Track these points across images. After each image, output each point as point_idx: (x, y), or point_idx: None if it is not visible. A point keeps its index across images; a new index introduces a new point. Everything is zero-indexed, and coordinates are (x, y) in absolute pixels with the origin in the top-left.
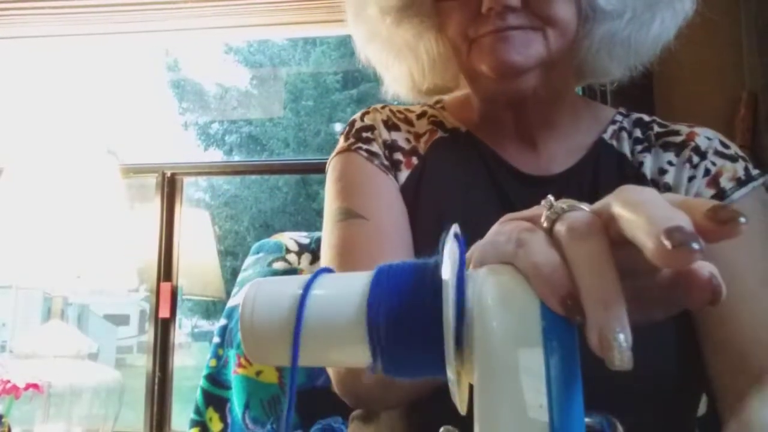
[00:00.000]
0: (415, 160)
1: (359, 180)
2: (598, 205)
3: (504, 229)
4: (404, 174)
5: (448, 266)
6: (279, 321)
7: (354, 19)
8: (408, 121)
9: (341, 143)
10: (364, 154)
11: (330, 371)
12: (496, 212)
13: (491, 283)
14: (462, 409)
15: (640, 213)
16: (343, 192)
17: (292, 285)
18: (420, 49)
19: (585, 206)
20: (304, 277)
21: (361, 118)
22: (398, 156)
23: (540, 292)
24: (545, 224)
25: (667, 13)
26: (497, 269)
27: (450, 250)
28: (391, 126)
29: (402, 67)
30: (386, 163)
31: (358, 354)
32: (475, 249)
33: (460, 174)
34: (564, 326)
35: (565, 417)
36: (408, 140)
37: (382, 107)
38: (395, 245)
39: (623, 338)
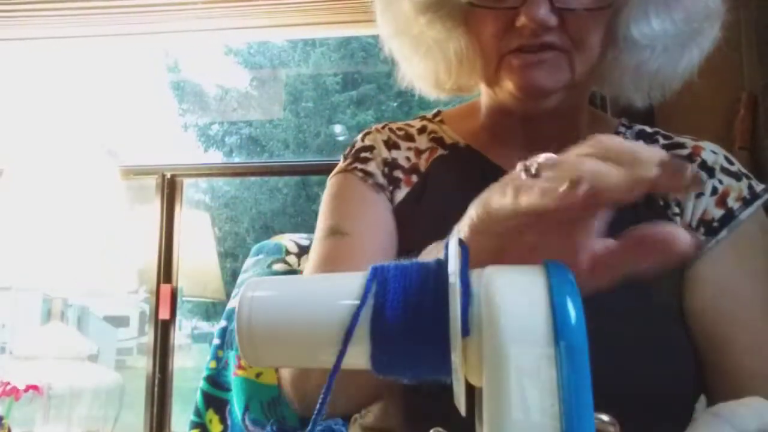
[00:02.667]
0: (414, 178)
1: (349, 199)
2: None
3: (490, 193)
4: (403, 191)
5: (454, 264)
6: (278, 323)
7: (382, 11)
8: (409, 137)
9: (340, 163)
10: (360, 174)
11: (281, 371)
12: None
13: (500, 282)
14: (462, 410)
15: (628, 155)
16: (332, 211)
17: (290, 287)
18: (449, 49)
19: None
20: (296, 278)
21: (362, 139)
22: (398, 174)
23: (558, 196)
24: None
25: (695, 50)
26: (505, 269)
27: (454, 248)
28: (391, 145)
29: (428, 64)
30: (381, 181)
31: (359, 355)
32: (465, 221)
33: (460, 190)
34: (575, 325)
35: (576, 417)
36: (408, 158)
37: (383, 127)
38: (374, 262)
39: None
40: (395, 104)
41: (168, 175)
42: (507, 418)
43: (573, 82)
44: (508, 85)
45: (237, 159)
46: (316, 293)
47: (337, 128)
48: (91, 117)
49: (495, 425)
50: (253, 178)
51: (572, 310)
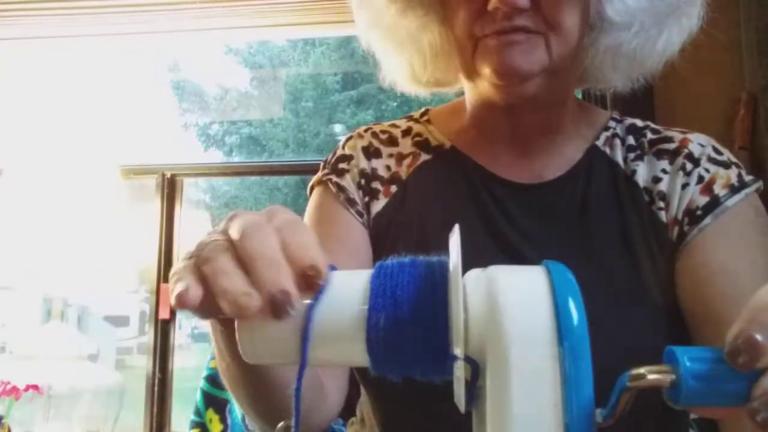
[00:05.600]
0: (394, 188)
1: (323, 220)
2: None
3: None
4: (381, 203)
5: (455, 260)
6: (278, 322)
7: (357, 4)
8: (392, 141)
9: (320, 171)
10: (333, 188)
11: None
12: (477, 232)
13: (502, 282)
14: (462, 408)
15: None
16: (310, 227)
17: None
18: (423, 41)
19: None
20: None
21: (343, 146)
22: (376, 185)
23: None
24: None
25: (674, 28)
26: (507, 269)
27: (456, 245)
28: (372, 153)
29: (403, 57)
30: (353, 196)
31: (356, 353)
32: None
33: (441, 197)
34: (577, 326)
35: (579, 416)
36: (388, 167)
37: (366, 130)
38: None
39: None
40: (395, 104)
41: (168, 175)
42: (511, 417)
43: (552, 66)
44: (486, 71)
45: (237, 158)
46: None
47: (337, 128)
48: (92, 117)
49: (499, 424)
50: (252, 178)
51: (575, 311)
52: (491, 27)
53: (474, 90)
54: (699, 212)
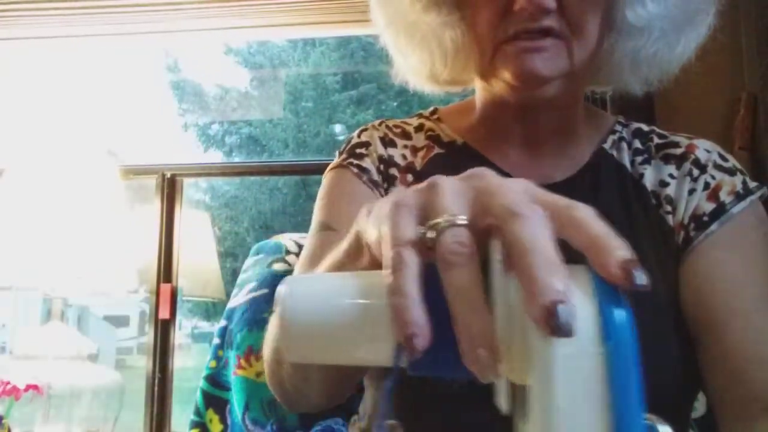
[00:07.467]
0: (410, 177)
1: (342, 195)
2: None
3: (386, 227)
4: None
5: (498, 258)
6: (323, 320)
7: (377, 1)
8: (405, 135)
9: (336, 159)
10: (355, 170)
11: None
12: None
13: None
14: (505, 408)
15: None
16: (325, 206)
17: (331, 283)
18: (445, 37)
19: (461, 219)
20: (338, 274)
21: (358, 135)
22: (393, 171)
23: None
24: (419, 240)
25: (692, 34)
26: None
27: (497, 243)
28: (387, 142)
29: (424, 54)
30: (376, 178)
31: (386, 351)
32: (366, 223)
33: None
34: (622, 324)
35: (627, 416)
36: (404, 156)
37: (380, 124)
38: None
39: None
40: (395, 104)
41: (168, 175)
42: (556, 418)
43: (571, 71)
44: (505, 75)
45: (237, 158)
46: (363, 290)
47: (337, 128)
48: (91, 117)
49: (544, 425)
50: (252, 178)
51: (618, 309)
52: (516, 27)
53: (487, 90)
54: (705, 218)
